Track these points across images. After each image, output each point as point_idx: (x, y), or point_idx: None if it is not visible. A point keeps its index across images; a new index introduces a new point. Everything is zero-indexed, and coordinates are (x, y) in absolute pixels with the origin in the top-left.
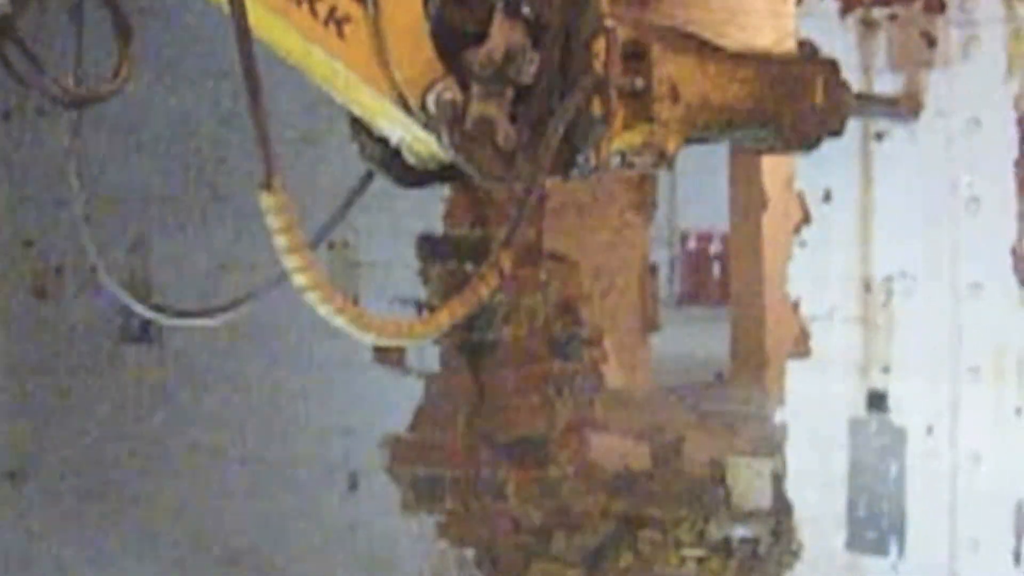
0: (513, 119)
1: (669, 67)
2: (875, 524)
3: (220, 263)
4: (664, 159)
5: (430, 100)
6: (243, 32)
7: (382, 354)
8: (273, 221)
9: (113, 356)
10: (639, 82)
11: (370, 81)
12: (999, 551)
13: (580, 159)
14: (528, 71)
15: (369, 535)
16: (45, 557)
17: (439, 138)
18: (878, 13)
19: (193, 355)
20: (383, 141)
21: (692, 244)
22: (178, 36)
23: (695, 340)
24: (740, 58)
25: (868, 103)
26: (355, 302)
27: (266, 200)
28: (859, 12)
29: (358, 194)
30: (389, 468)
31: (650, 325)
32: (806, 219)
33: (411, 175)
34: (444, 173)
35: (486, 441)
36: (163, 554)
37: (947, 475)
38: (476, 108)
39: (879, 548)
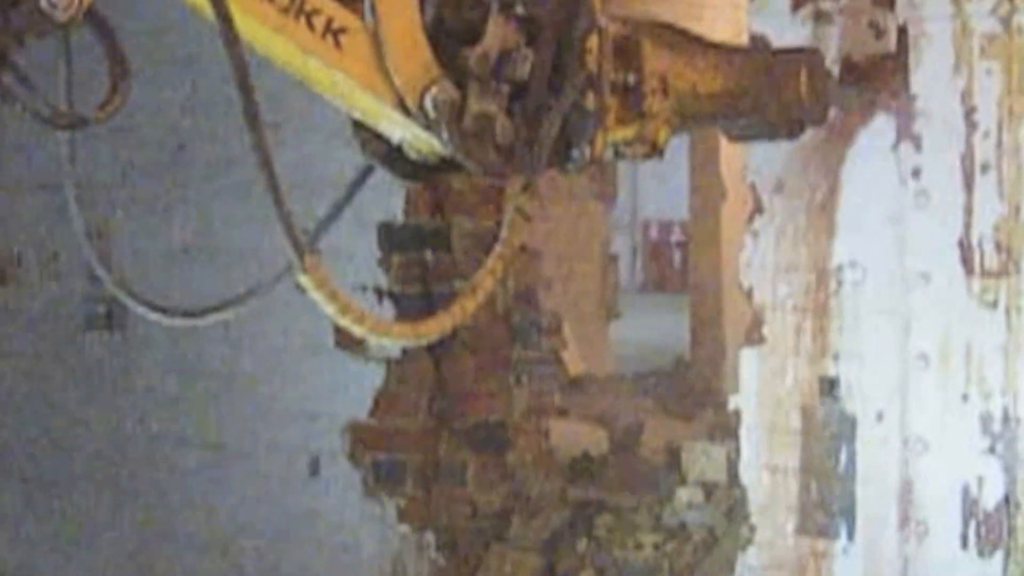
0: (509, 115)
1: (659, 62)
2: (826, 508)
3: (181, 248)
4: (655, 150)
5: (428, 101)
6: (260, 140)
7: (344, 340)
8: (318, 296)
9: (76, 343)
10: (631, 77)
11: (369, 88)
12: (947, 535)
13: (575, 153)
14: (523, 68)
15: (330, 520)
16: (8, 542)
17: (439, 137)
18: (829, 6)
19: (155, 342)
20: (385, 138)
21: (653, 233)
22: (139, 25)
23: (656, 327)
24: (727, 50)
25: (851, 91)
26: None
27: (306, 281)
28: (810, 6)
29: (357, 188)
30: (350, 453)
31: (610, 313)
32: (758, 209)
33: (414, 169)
34: (446, 166)
35: (446, 426)
36: (125, 539)
37: (896, 460)
38: (474, 106)
39: (830, 532)
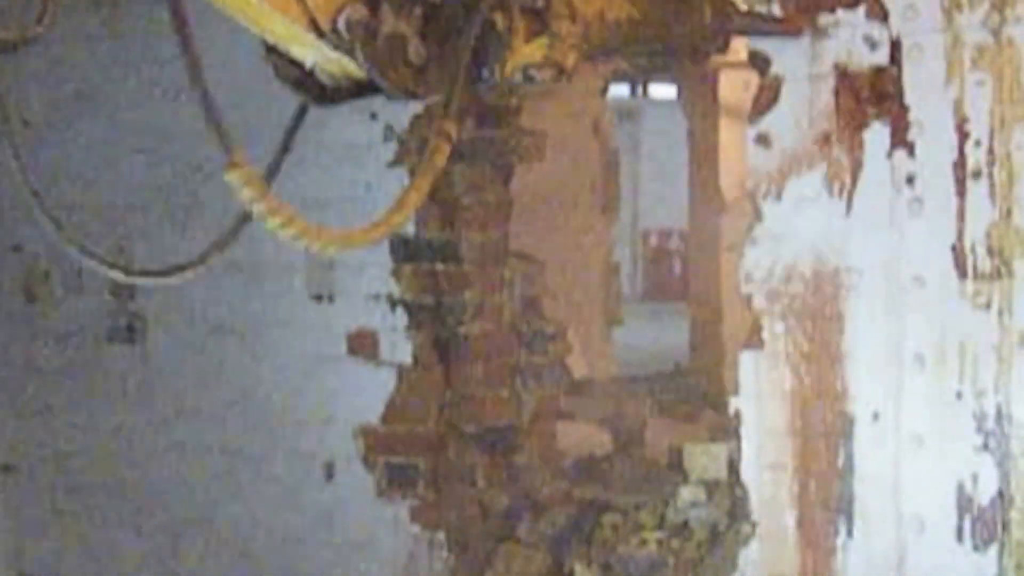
0: (422, 37)
1: None
2: (825, 505)
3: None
4: (563, 73)
5: (341, 23)
6: (186, 38)
7: (355, 348)
8: (246, 193)
9: (99, 355)
10: (539, 1)
11: (283, 10)
12: (942, 529)
13: (485, 72)
14: None
15: (345, 522)
16: (34, 547)
17: (353, 56)
18: (825, 20)
19: (175, 353)
20: (297, 63)
21: (653, 242)
22: (160, 53)
23: (656, 333)
24: None
25: (754, 22)
26: (331, 300)
27: (234, 176)
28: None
29: (295, 130)
30: (364, 457)
31: (612, 320)
32: (758, 217)
33: (325, 94)
34: (356, 91)
35: (456, 430)
36: (146, 544)
37: (892, 458)
38: (387, 26)
39: (829, 528)
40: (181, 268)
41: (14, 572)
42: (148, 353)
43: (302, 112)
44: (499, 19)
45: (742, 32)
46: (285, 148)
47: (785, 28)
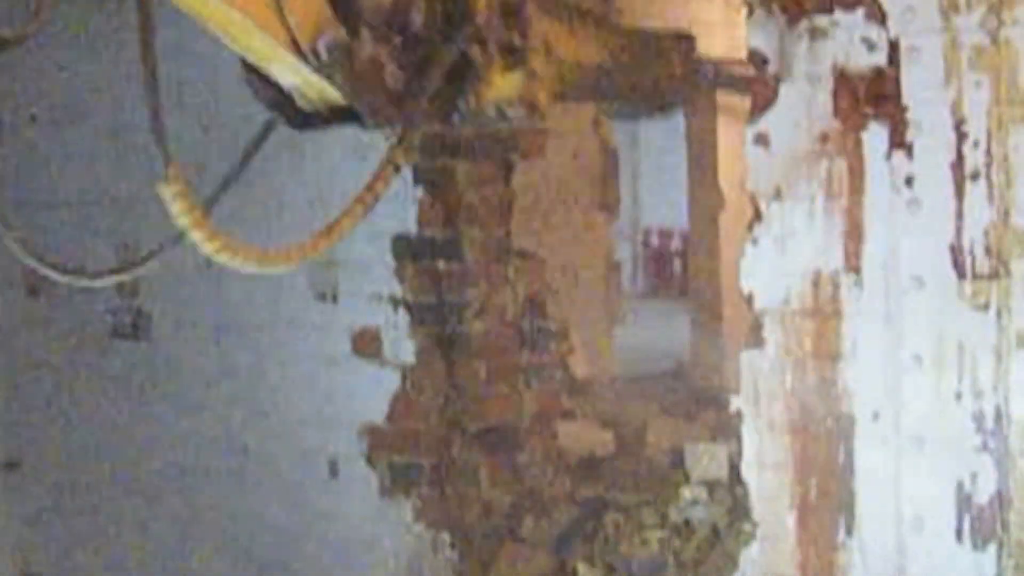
0: (401, 66)
1: (543, 25)
2: (825, 505)
3: (207, 262)
4: (535, 111)
5: (321, 45)
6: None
7: (360, 348)
8: (174, 207)
9: (103, 351)
10: (516, 38)
11: (265, 28)
12: (942, 529)
13: (460, 103)
14: (416, 19)
15: (349, 520)
16: (38, 544)
17: (331, 79)
18: (824, 21)
19: (180, 350)
20: (277, 85)
21: (654, 240)
22: (166, 50)
23: (657, 332)
24: (608, 27)
25: (721, 77)
26: (335, 300)
27: (165, 190)
28: (806, 22)
29: (259, 145)
30: (367, 456)
31: (614, 318)
32: (758, 217)
33: (303, 118)
34: (333, 116)
35: (459, 429)
36: (150, 542)
37: (892, 458)
38: (365, 51)
39: (829, 528)
40: (119, 269)
41: (18, 569)
42: (152, 350)
43: (266, 131)
44: (476, 52)
45: (712, 85)
46: (243, 163)
47: (747, 87)
